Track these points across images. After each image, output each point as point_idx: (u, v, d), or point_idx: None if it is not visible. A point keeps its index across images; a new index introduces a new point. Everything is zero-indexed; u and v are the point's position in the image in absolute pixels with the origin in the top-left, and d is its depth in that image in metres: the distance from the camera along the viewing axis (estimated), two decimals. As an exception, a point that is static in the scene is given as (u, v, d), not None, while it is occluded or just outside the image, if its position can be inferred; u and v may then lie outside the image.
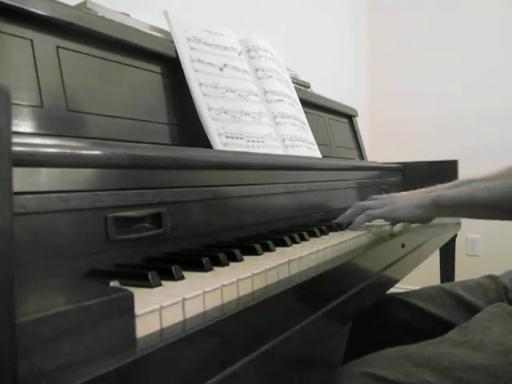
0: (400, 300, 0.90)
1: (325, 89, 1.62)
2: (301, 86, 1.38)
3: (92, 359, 0.29)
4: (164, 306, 0.37)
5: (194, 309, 0.40)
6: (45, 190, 0.45)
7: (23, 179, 0.43)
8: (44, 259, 0.43)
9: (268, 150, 0.94)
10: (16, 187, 0.29)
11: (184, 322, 0.38)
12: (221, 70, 0.92)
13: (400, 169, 1.65)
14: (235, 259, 0.55)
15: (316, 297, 0.57)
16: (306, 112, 1.23)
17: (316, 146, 1.19)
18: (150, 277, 0.43)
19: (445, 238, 1.45)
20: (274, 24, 1.99)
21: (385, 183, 1.47)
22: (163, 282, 0.44)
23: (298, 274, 0.56)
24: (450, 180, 1.02)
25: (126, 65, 0.75)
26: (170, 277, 0.46)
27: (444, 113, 2.69)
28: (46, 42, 0.62)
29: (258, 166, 0.81)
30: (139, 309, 0.34)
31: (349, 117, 1.70)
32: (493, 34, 2.57)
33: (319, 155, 1.18)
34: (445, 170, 1.58)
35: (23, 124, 0.56)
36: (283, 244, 0.67)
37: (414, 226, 1.02)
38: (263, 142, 0.94)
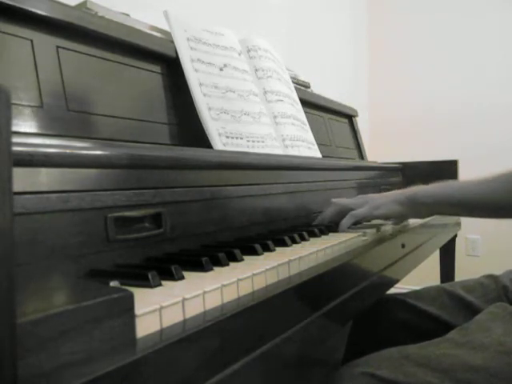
0: (400, 300, 0.90)
1: (325, 89, 1.62)
2: (301, 86, 1.38)
3: (92, 359, 0.29)
4: (164, 306, 0.37)
5: (194, 309, 0.40)
6: (45, 190, 0.45)
7: (23, 179, 0.43)
8: (44, 259, 0.43)
9: (268, 149, 0.94)
10: (16, 187, 0.29)
11: (184, 322, 0.38)
12: (221, 69, 0.92)
13: (400, 169, 1.65)
14: (235, 259, 0.55)
15: (316, 297, 0.57)
16: (306, 112, 1.23)
17: (316, 146, 1.19)
18: (150, 277, 0.43)
19: (445, 238, 1.45)
20: (274, 24, 1.99)
21: (385, 183, 1.47)
22: (163, 282, 0.44)
23: (298, 274, 0.56)
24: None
25: (126, 65, 0.75)
26: (170, 277, 0.46)
27: (444, 113, 2.69)
28: (46, 42, 0.62)
29: (257, 166, 0.81)
30: (139, 309, 0.34)
31: (349, 117, 1.70)
32: (493, 34, 2.57)
33: (319, 155, 1.18)
34: (445, 170, 1.58)
35: (23, 124, 0.56)
36: (283, 244, 0.67)
37: (413, 226, 1.02)
38: (263, 141, 0.94)
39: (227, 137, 0.84)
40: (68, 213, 0.47)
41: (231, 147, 0.84)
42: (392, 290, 0.89)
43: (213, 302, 0.42)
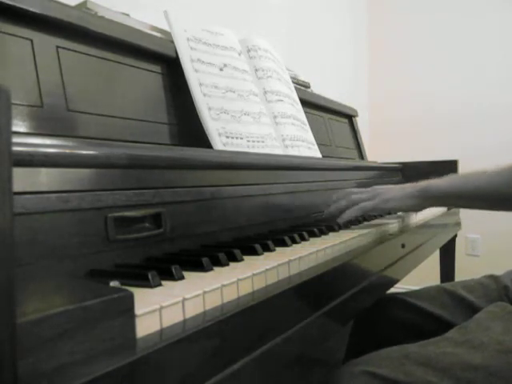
0: (400, 300, 0.90)
1: (325, 89, 1.62)
2: (301, 86, 1.38)
3: (92, 359, 0.29)
4: (164, 306, 0.37)
5: (194, 309, 0.40)
6: (45, 190, 0.45)
7: (23, 179, 0.43)
8: (44, 259, 0.43)
9: (268, 149, 0.94)
10: (16, 187, 0.29)
11: (184, 322, 0.38)
12: (221, 69, 0.92)
13: (400, 169, 1.65)
14: (235, 259, 0.55)
15: (316, 297, 0.57)
16: (306, 112, 1.23)
17: (316, 146, 1.19)
18: (150, 277, 0.43)
19: (445, 238, 1.45)
20: (274, 24, 1.99)
21: (385, 183, 1.47)
22: (163, 282, 0.44)
23: (298, 274, 0.56)
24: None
25: (126, 65, 0.75)
26: (170, 277, 0.46)
27: (444, 113, 2.69)
28: (46, 42, 0.62)
29: (257, 165, 0.81)
30: (139, 309, 0.34)
31: (349, 117, 1.70)
32: (493, 34, 2.57)
33: (319, 155, 1.18)
34: (445, 170, 1.57)
35: (23, 124, 0.56)
36: (283, 244, 0.67)
37: (413, 226, 1.02)
38: (263, 141, 0.94)
39: (227, 137, 0.84)
40: (68, 213, 0.47)
41: (231, 147, 0.84)
42: (392, 290, 0.89)
43: (213, 301, 0.42)
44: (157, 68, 0.81)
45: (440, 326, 0.80)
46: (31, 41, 0.60)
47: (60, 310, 0.28)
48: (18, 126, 0.55)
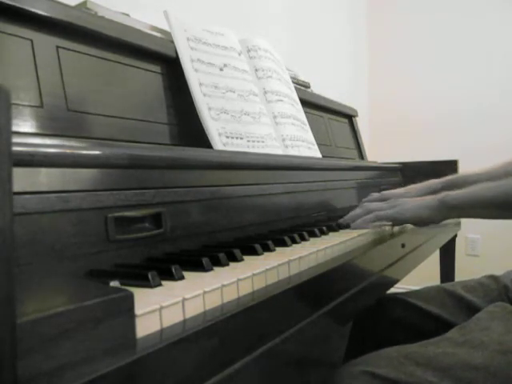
0: (400, 300, 0.90)
1: (325, 89, 1.62)
2: (301, 86, 1.38)
3: (92, 359, 0.29)
4: (164, 306, 0.37)
5: (194, 309, 0.40)
6: (45, 190, 0.45)
7: (23, 179, 0.43)
8: (44, 259, 0.43)
9: (268, 149, 0.94)
10: (16, 187, 0.29)
11: (184, 321, 0.38)
12: (221, 69, 0.92)
13: (400, 169, 1.65)
14: (235, 259, 0.55)
15: (316, 297, 0.57)
16: (306, 112, 1.23)
17: (316, 146, 1.19)
18: (150, 277, 0.43)
19: (445, 238, 1.45)
20: (274, 24, 1.99)
21: (385, 183, 1.47)
22: (163, 282, 0.44)
23: (298, 274, 0.56)
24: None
25: (126, 65, 0.75)
26: (170, 277, 0.46)
27: (444, 113, 2.69)
28: (46, 42, 0.62)
29: (258, 165, 0.81)
30: (139, 309, 0.34)
31: (349, 117, 1.70)
32: (493, 34, 2.57)
33: (319, 155, 1.18)
34: (445, 170, 1.57)
35: (23, 124, 0.56)
36: (283, 244, 0.67)
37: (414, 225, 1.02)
38: (263, 141, 0.94)
39: (227, 137, 0.84)
40: (68, 213, 0.47)
41: (231, 147, 0.84)
42: (392, 290, 0.89)
43: (213, 301, 0.42)
44: (157, 68, 0.81)
45: (440, 326, 0.80)
46: (31, 41, 0.60)
47: (60, 309, 0.28)
48: (18, 126, 0.55)
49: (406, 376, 0.57)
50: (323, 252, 0.65)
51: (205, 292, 0.41)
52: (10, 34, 0.58)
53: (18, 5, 0.58)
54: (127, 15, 0.87)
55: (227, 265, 0.53)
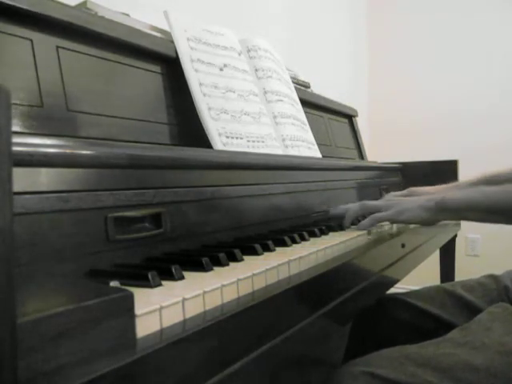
0: (400, 300, 0.90)
1: (325, 89, 1.62)
2: (301, 86, 1.38)
3: (92, 359, 0.29)
4: (164, 306, 0.37)
5: (194, 309, 0.40)
6: (45, 190, 0.45)
7: (23, 179, 0.43)
8: (44, 259, 0.43)
9: (268, 149, 0.94)
10: (16, 187, 0.29)
11: (184, 322, 0.38)
12: (221, 69, 0.92)
13: (400, 169, 1.65)
14: (235, 259, 0.55)
15: (316, 297, 0.57)
16: (306, 112, 1.23)
17: (316, 146, 1.19)
18: (150, 277, 0.43)
19: (445, 238, 1.45)
20: (274, 24, 1.99)
21: (385, 183, 1.47)
22: (163, 282, 0.44)
23: (298, 274, 0.56)
24: (449, 180, 1.02)
25: (126, 65, 0.75)
26: (170, 277, 0.46)
27: (444, 113, 2.69)
28: (46, 42, 0.62)
29: (258, 165, 0.81)
30: (139, 309, 0.34)
31: (349, 117, 1.70)
32: (493, 34, 2.57)
33: (319, 155, 1.18)
34: (445, 170, 1.58)
35: (23, 124, 0.56)
36: (283, 244, 0.67)
37: (413, 226, 1.02)
38: (263, 141, 0.94)
39: (227, 137, 0.84)
40: (68, 213, 0.47)
41: (231, 147, 0.84)
42: (392, 290, 0.89)
43: (213, 301, 0.42)
44: (157, 68, 0.81)
45: (440, 326, 0.80)
46: (31, 41, 0.60)
47: (60, 309, 0.28)
48: (18, 126, 0.55)
49: (406, 376, 0.57)
50: (323, 252, 0.65)
51: (205, 292, 0.41)
52: (10, 34, 0.58)
53: (18, 5, 0.58)
54: (127, 15, 0.87)
55: (227, 265, 0.53)
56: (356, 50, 2.89)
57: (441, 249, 1.59)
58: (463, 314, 0.83)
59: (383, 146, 2.60)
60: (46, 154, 0.45)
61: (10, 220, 0.24)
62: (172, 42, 0.85)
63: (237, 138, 0.86)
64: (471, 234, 2.56)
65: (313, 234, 0.77)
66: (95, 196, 0.50)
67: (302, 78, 1.47)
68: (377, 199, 0.99)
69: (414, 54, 2.80)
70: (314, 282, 0.55)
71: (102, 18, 0.73)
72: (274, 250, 0.63)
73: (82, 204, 0.48)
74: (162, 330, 0.36)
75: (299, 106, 1.20)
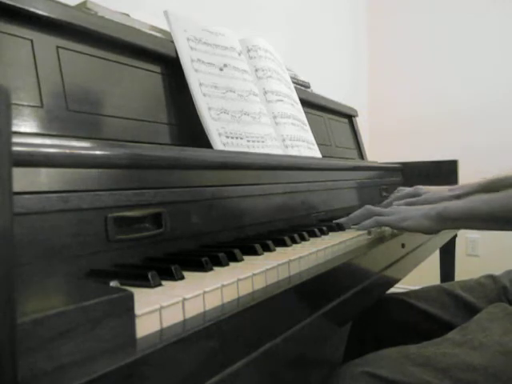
0: (400, 300, 0.90)
1: (325, 89, 1.62)
2: (301, 86, 1.38)
3: (92, 359, 0.29)
4: (164, 306, 0.37)
5: (193, 309, 0.40)
6: (45, 190, 0.45)
7: (23, 179, 0.43)
8: (44, 259, 0.43)
9: (268, 149, 0.94)
10: (16, 187, 0.29)
11: (184, 322, 0.38)
12: (221, 69, 0.92)
13: (400, 169, 1.65)
14: (235, 259, 0.55)
15: (316, 297, 0.57)
16: (305, 112, 1.23)
17: (316, 146, 1.19)
18: (149, 277, 0.43)
19: (445, 238, 1.45)
20: (274, 24, 1.99)
21: (385, 183, 1.47)
22: (163, 282, 0.44)
23: (298, 274, 0.56)
24: (449, 180, 1.02)
25: (126, 65, 0.75)
26: (170, 277, 0.46)
27: (444, 113, 2.69)
28: (46, 42, 0.62)
29: (258, 165, 0.81)
30: (139, 309, 0.34)
31: (349, 117, 1.70)
32: (492, 34, 2.57)
33: (319, 155, 1.18)
34: (445, 170, 1.58)
35: (23, 124, 0.56)
36: (283, 244, 0.67)
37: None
38: (263, 141, 0.94)
39: (227, 137, 0.84)
40: (68, 213, 0.47)
41: (231, 147, 0.84)
42: (392, 290, 0.89)
43: (213, 301, 0.42)
44: (157, 68, 0.81)
45: (439, 326, 0.80)
46: (31, 41, 0.60)
47: (60, 310, 0.28)
48: (18, 126, 0.55)
49: (405, 376, 0.57)
50: (323, 252, 0.65)
51: (205, 292, 0.41)
52: (10, 34, 0.58)
53: (18, 5, 0.58)
54: (127, 15, 0.87)
55: (227, 265, 0.53)
56: (356, 50, 2.89)
57: (441, 249, 1.59)
58: (463, 315, 0.83)
59: (383, 146, 2.60)
60: (46, 154, 0.45)
61: (10, 220, 0.24)
62: (172, 42, 0.85)
63: (237, 137, 0.86)
64: (471, 234, 2.56)
65: (313, 234, 0.77)
66: (95, 196, 0.50)
67: (302, 78, 1.47)
68: (377, 199, 0.99)
69: (414, 53, 2.80)
70: (314, 282, 0.55)
71: (102, 17, 0.73)
72: (274, 250, 0.63)
73: (82, 204, 0.48)
74: (161, 330, 0.36)
75: (299, 105, 1.20)
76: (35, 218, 0.43)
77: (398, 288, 0.96)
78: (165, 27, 0.89)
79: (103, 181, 0.51)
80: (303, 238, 0.72)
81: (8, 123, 0.24)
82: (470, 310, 0.82)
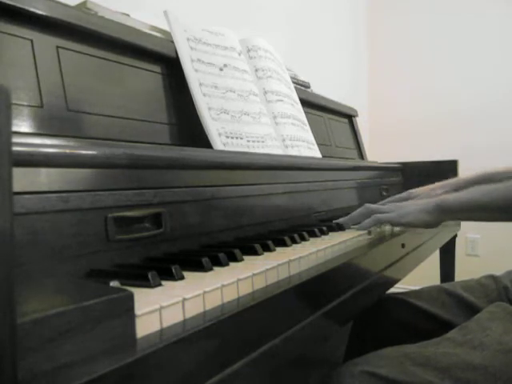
0: (400, 300, 0.90)
1: (325, 89, 1.62)
2: (301, 86, 1.38)
3: (92, 359, 0.29)
4: (164, 306, 0.37)
5: (193, 309, 0.40)
6: (45, 190, 0.45)
7: (23, 179, 0.43)
8: (44, 259, 0.43)
9: (268, 149, 0.94)
10: (16, 187, 0.29)
11: (184, 322, 0.38)
12: (221, 70, 0.92)
13: (400, 169, 1.65)
14: (235, 259, 0.55)
15: (316, 297, 0.57)
16: (305, 112, 1.23)
17: (316, 146, 1.19)
18: (149, 277, 0.43)
19: (445, 238, 1.45)
20: (274, 24, 1.99)
21: (385, 183, 1.47)
22: (163, 282, 0.44)
23: (298, 273, 0.56)
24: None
25: (126, 65, 0.75)
26: (170, 277, 0.46)
27: (444, 113, 2.69)
28: (46, 42, 0.62)
29: (258, 165, 0.81)
30: (139, 309, 0.34)
31: (349, 117, 1.70)
32: (492, 34, 2.57)
33: (319, 155, 1.18)
34: (445, 170, 1.58)
35: (23, 124, 0.56)
36: (283, 244, 0.67)
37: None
38: (263, 141, 0.94)
39: (227, 137, 0.84)
40: (68, 213, 0.47)
41: (231, 147, 0.84)
42: (392, 290, 0.89)
43: (213, 301, 0.42)
44: (157, 68, 0.81)
45: (440, 326, 0.80)
46: (31, 41, 0.60)
47: (60, 310, 0.28)
48: (18, 126, 0.55)
49: (406, 376, 0.57)
50: (323, 252, 0.65)
51: (205, 292, 0.41)
52: (10, 34, 0.58)
53: (18, 5, 0.58)
54: (127, 15, 0.87)
55: (227, 265, 0.53)
56: (356, 50, 2.89)
57: (441, 249, 1.59)
58: (463, 314, 0.83)
59: (383, 146, 2.60)
60: (46, 154, 0.45)
61: (10, 220, 0.24)
62: (172, 42, 0.85)
63: (237, 137, 0.86)
64: (471, 234, 2.56)
65: (313, 234, 0.77)
66: (95, 196, 0.50)
67: (302, 78, 1.47)
68: (377, 199, 0.99)
69: (414, 54, 2.80)
70: (314, 282, 0.55)
71: (102, 17, 0.73)
72: (274, 250, 0.63)
73: (82, 204, 0.48)
74: (161, 330, 0.36)
75: (299, 105, 1.20)
76: (35, 218, 0.43)
77: (398, 288, 0.96)
78: (165, 27, 0.89)
79: (103, 181, 0.51)
80: (303, 238, 0.72)
81: (8, 123, 0.24)
82: (471, 310, 0.82)
